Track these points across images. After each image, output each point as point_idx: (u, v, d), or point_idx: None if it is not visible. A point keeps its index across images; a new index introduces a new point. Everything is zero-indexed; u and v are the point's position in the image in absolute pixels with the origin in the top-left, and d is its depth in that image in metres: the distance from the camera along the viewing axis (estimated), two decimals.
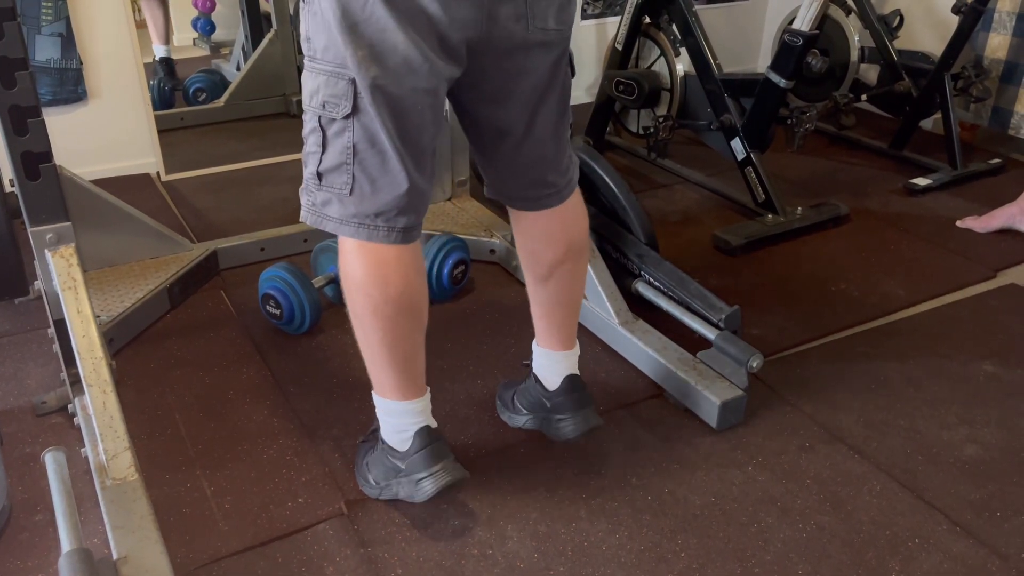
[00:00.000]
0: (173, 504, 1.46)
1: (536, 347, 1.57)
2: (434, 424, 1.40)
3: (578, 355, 1.56)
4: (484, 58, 1.19)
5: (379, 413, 1.41)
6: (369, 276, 1.25)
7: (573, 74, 1.33)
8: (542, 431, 1.61)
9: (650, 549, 1.39)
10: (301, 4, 1.16)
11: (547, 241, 1.43)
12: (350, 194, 1.20)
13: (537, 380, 1.58)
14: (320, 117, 1.18)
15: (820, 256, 2.35)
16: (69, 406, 1.64)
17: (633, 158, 3.02)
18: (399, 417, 1.38)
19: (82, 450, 1.48)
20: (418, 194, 1.23)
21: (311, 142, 1.21)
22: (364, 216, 1.21)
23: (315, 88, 1.17)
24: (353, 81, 1.13)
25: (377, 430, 1.44)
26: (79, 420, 1.56)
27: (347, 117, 1.15)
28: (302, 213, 1.27)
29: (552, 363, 1.55)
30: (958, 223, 2.49)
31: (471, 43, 1.16)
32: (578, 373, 1.55)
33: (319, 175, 1.22)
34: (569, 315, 1.52)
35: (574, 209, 1.44)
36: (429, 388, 1.40)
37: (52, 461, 1.30)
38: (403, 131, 1.17)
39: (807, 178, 2.86)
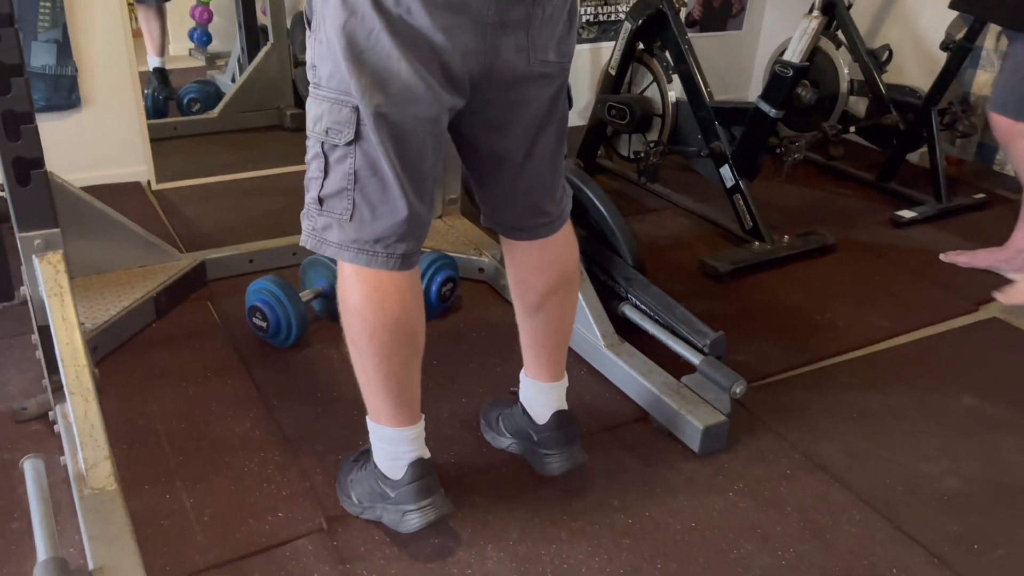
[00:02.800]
0: (151, 515, 1.45)
1: (524, 378, 1.57)
2: (427, 455, 1.39)
3: (566, 387, 1.56)
4: (486, 89, 1.21)
5: (372, 438, 1.40)
6: (366, 301, 1.25)
7: (571, 105, 1.35)
8: (525, 457, 1.60)
9: (630, 573, 1.38)
10: (307, 32, 1.18)
11: (539, 271, 1.43)
12: (350, 219, 1.21)
13: (524, 411, 1.57)
14: (323, 143, 1.19)
15: (806, 285, 2.36)
16: (50, 413, 1.63)
17: (624, 182, 3.04)
18: (392, 444, 1.37)
19: (61, 458, 1.47)
20: (418, 221, 1.24)
21: (313, 168, 1.22)
22: (364, 242, 1.22)
23: (319, 115, 1.18)
24: (356, 108, 1.14)
25: (368, 451, 1.44)
26: (59, 428, 1.54)
27: (349, 144, 1.16)
28: (302, 237, 1.28)
29: (540, 395, 1.54)
30: (942, 256, 2.51)
31: (474, 74, 1.17)
32: (567, 408, 1.55)
33: (320, 200, 1.23)
34: (558, 346, 1.52)
35: (566, 239, 1.45)
36: (424, 416, 1.40)
37: (31, 469, 1.30)
38: (404, 159, 1.18)
39: (795, 207, 2.89)
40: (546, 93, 1.27)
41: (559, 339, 1.51)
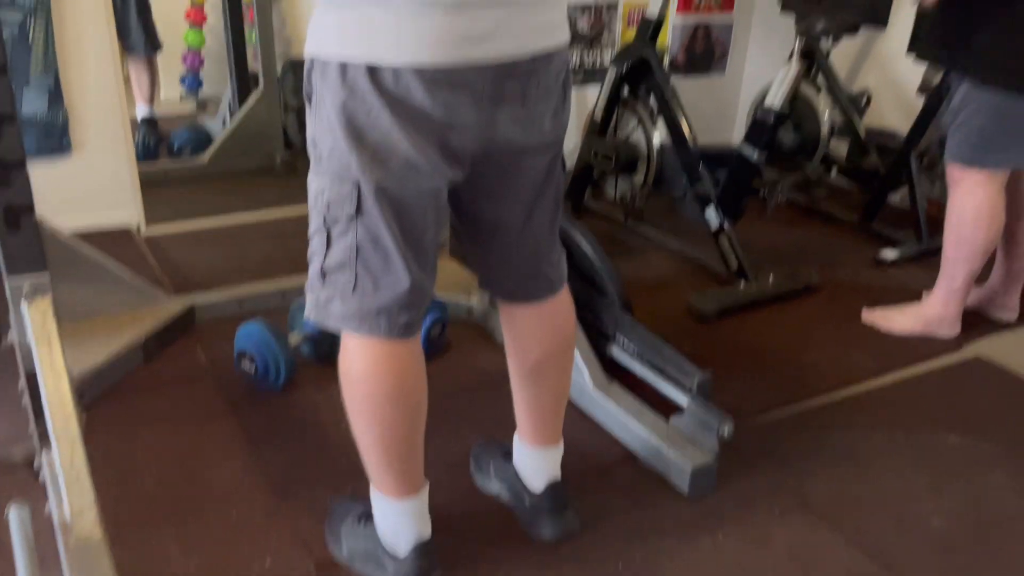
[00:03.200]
0: (138, 564, 1.44)
1: (517, 442, 1.56)
2: (429, 531, 1.39)
3: (562, 452, 1.55)
4: (485, 162, 1.23)
5: (374, 508, 1.40)
6: (369, 372, 1.26)
7: (565, 170, 1.38)
8: (515, 512, 1.59)
9: None
10: (307, 108, 1.19)
11: (537, 335, 1.44)
12: (353, 291, 1.22)
13: (518, 475, 1.56)
14: (325, 217, 1.20)
15: (791, 324, 2.39)
16: (36, 460, 1.61)
17: (610, 224, 3.08)
18: (395, 516, 1.37)
19: (47, 506, 1.45)
20: (419, 291, 1.25)
21: (316, 241, 1.23)
22: (366, 313, 1.23)
23: (320, 189, 1.20)
24: (358, 183, 1.15)
25: (369, 511, 1.43)
26: (45, 475, 1.53)
27: (351, 218, 1.18)
28: (307, 309, 1.29)
29: (535, 462, 1.53)
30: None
31: (474, 149, 1.19)
32: (560, 477, 1.54)
33: (323, 273, 1.24)
34: (555, 411, 1.52)
35: (564, 303, 1.46)
36: (428, 483, 1.40)
37: (15, 517, 1.28)
38: (406, 231, 1.20)
39: (779, 248, 2.93)
40: (543, 162, 1.29)
41: (555, 404, 1.51)
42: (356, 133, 1.13)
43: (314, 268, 1.25)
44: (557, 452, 1.54)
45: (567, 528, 1.53)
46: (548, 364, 1.46)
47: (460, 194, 1.29)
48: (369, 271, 1.21)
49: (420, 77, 1.10)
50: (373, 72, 1.09)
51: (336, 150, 1.15)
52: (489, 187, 1.28)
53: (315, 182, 1.21)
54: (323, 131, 1.17)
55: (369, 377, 1.26)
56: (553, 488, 1.52)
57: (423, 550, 1.37)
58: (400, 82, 1.10)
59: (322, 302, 1.26)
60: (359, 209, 1.17)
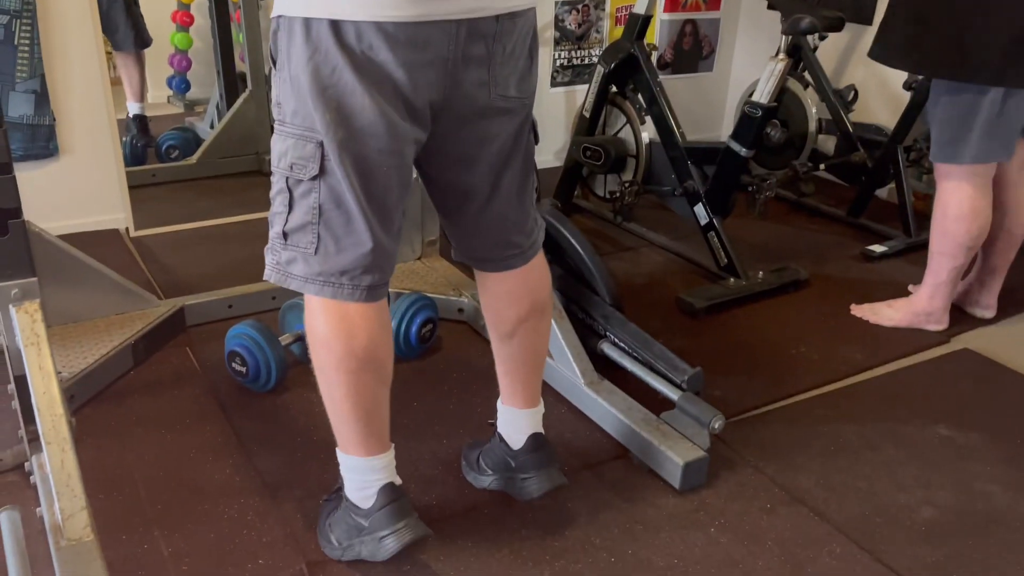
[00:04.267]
0: (129, 566, 1.44)
1: (500, 405, 1.59)
2: (398, 481, 1.40)
3: (542, 413, 1.58)
4: (448, 122, 1.24)
5: (343, 470, 1.41)
6: (333, 332, 1.27)
7: (537, 141, 1.39)
8: (507, 492, 1.61)
9: None
10: (272, 70, 1.21)
11: (511, 301, 1.46)
12: (315, 253, 1.23)
13: (502, 439, 1.59)
14: (288, 178, 1.21)
15: (780, 319, 2.40)
16: (26, 464, 1.61)
17: (600, 221, 3.09)
18: (362, 474, 1.38)
19: (38, 510, 1.45)
20: (383, 253, 1.25)
21: (278, 202, 1.24)
22: (329, 274, 1.24)
23: (283, 150, 1.21)
24: (321, 144, 1.16)
25: (341, 488, 1.44)
26: (36, 478, 1.53)
27: (314, 178, 1.19)
28: (266, 272, 1.29)
29: (516, 421, 1.56)
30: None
31: (435, 105, 1.20)
32: (542, 431, 1.57)
33: (285, 235, 1.24)
34: (533, 373, 1.54)
35: (538, 269, 1.47)
36: (394, 444, 1.41)
37: (7, 520, 1.28)
38: (369, 192, 1.20)
39: (768, 243, 2.94)
40: (509, 128, 1.30)
41: (533, 365, 1.54)
42: (319, 91, 1.14)
43: (275, 230, 1.26)
44: (537, 412, 1.56)
45: (553, 482, 1.54)
46: (523, 328, 1.48)
47: (429, 163, 1.30)
48: (331, 232, 1.21)
49: (382, 33, 1.10)
50: (336, 28, 1.10)
51: (300, 110, 1.16)
52: (457, 154, 1.29)
53: (278, 144, 1.22)
54: (287, 91, 1.18)
55: (333, 338, 1.27)
56: (534, 437, 1.54)
57: (391, 491, 1.37)
58: (363, 39, 1.11)
59: (283, 263, 1.26)
60: (322, 169, 1.18)
